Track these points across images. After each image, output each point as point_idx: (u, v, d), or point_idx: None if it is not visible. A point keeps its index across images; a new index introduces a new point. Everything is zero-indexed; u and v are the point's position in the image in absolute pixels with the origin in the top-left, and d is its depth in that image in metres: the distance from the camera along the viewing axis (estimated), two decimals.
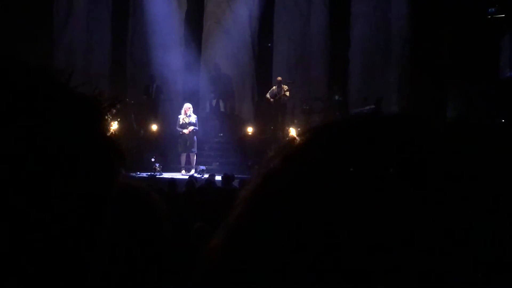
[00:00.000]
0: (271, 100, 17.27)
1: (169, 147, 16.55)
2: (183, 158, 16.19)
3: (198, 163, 16.05)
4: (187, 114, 16.06)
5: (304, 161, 0.55)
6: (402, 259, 0.48)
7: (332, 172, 0.52)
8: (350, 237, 0.49)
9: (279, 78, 17.36)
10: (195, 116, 16.22)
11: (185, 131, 15.91)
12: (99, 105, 0.70)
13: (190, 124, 15.98)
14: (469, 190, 0.50)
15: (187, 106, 16.18)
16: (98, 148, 0.68)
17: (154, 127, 17.27)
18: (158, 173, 15.24)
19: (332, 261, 0.49)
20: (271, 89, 17.50)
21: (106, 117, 0.70)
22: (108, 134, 0.70)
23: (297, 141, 0.59)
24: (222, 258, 0.56)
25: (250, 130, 17.21)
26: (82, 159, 0.65)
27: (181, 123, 16.03)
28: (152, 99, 17.89)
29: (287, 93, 17.09)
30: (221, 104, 18.79)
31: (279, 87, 17.21)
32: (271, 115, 17.59)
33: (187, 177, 13.64)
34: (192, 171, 15.67)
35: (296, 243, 0.51)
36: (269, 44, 19.33)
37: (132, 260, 1.33)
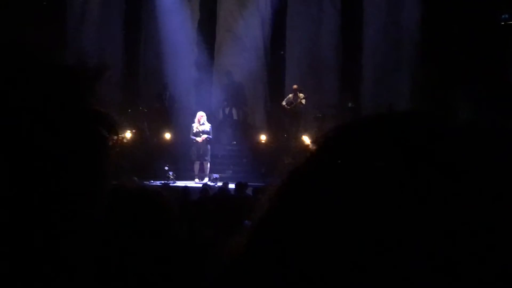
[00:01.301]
0: (287, 107, 17.26)
1: (183, 155, 16.56)
2: (197, 166, 16.19)
3: (211, 171, 16.05)
4: (201, 123, 16.08)
5: (329, 159, 0.56)
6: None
7: (357, 168, 0.53)
8: (378, 232, 0.50)
9: (295, 86, 17.33)
10: (209, 125, 16.24)
11: (198, 139, 15.94)
12: (83, 75, 0.68)
13: (203, 132, 16.00)
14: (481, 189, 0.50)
15: (200, 115, 16.21)
16: (85, 120, 0.66)
17: (167, 136, 17.30)
18: (172, 181, 15.25)
19: (358, 254, 0.49)
20: (287, 97, 17.49)
21: (94, 88, 0.68)
22: (99, 111, 0.68)
23: (314, 147, 0.59)
24: (247, 254, 0.57)
25: (263, 138, 17.19)
26: (68, 134, 0.64)
27: (194, 131, 16.06)
28: (165, 108, 17.93)
29: (303, 101, 17.07)
30: (234, 112, 18.79)
31: (295, 95, 17.19)
32: (283, 122, 17.56)
33: (200, 185, 13.64)
34: (206, 179, 15.67)
35: (324, 239, 0.51)
36: (282, 52, 19.32)
37: (144, 262, 1.33)
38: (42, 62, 0.66)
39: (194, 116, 16.58)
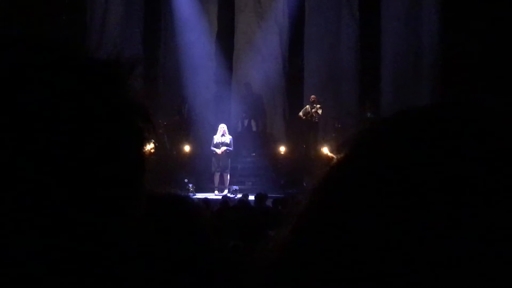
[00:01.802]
0: (303, 117, 17.26)
1: (202, 168, 16.60)
2: (217, 178, 16.23)
3: (231, 183, 16.07)
4: (222, 134, 16.15)
5: (371, 153, 0.55)
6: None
7: (400, 162, 0.52)
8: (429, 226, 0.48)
9: (313, 96, 17.33)
10: (230, 137, 16.30)
11: (218, 151, 15.98)
12: (118, 67, 0.68)
13: (223, 144, 16.05)
14: None
15: (222, 127, 16.28)
16: (122, 113, 0.65)
17: (187, 148, 17.36)
18: (192, 194, 15.27)
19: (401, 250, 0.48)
20: (304, 108, 17.50)
21: (129, 80, 0.67)
22: (134, 103, 0.67)
23: (336, 158, 0.58)
24: (291, 249, 0.56)
25: (282, 149, 17.20)
26: (107, 126, 0.62)
27: (215, 142, 16.11)
28: (184, 120, 18.01)
29: (319, 111, 17.04)
30: (253, 123, 18.82)
31: (313, 106, 17.19)
32: (302, 133, 17.56)
33: (220, 197, 13.65)
34: (226, 191, 15.68)
35: (366, 233, 0.50)
36: (300, 62, 19.35)
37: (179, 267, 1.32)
38: (75, 56, 0.65)
39: (214, 128, 16.64)
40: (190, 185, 15.65)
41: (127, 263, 0.63)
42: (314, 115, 17.10)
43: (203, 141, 17.24)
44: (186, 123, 18.02)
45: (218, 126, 16.69)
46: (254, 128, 18.88)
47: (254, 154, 17.91)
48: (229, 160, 16.20)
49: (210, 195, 14.81)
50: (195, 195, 15.25)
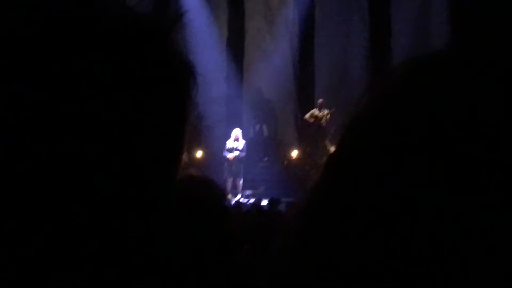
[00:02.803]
0: (311, 120, 17.24)
1: (214, 173, 16.61)
2: (229, 183, 16.23)
3: (244, 188, 16.06)
4: (235, 139, 16.17)
5: (395, 99, 0.52)
6: None
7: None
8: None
9: (320, 100, 17.33)
10: (244, 142, 16.31)
11: (230, 156, 15.98)
12: (161, 21, 0.64)
13: (235, 149, 16.06)
14: None
15: (236, 131, 16.30)
16: (170, 67, 0.61)
17: (199, 154, 17.38)
18: None
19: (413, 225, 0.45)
20: (311, 112, 17.48)
21: (173, 36, 0.63)
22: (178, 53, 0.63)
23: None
24: (309, 215, 0.53)
25: (294, 153, 17.19)
26: (156, 84, 0.59)
27: (228, 148, 16.13)
28: (195, 126, 18.03)
29: (328, 117, 17.00)
30: (265, 128, 18.82)
31: (320, 110, 17.18)
32: (314, 139, 17.53)
33: (233, 202, 13.65)
34: (238, 196, 15.68)
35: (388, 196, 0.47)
36: (311, 67, 19.33)
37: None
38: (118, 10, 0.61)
39: (225, 133, 16.64)
40: None
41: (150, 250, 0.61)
42: (323, 119, 17.07)
43: (215, 147, 17.25)
44: (197, 129, 18.05)
45: (229, 131, 16.73)
46: (265, 133, 18.89)
47: (266, 159, 17.91)
48: (242, 165, 16.20)
49: None
50: None
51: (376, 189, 0.48)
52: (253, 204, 12.36)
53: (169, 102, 0.61)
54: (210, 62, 18.51)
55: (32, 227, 0.52)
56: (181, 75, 0.63)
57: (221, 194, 1.45)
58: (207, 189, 1.43)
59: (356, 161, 0.51)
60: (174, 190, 0.62)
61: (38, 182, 0.52)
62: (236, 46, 19.38)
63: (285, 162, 17.14)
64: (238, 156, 16.06)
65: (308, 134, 17.63)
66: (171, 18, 0.64)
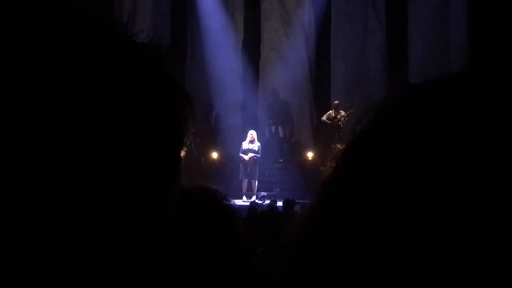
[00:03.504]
0: (328, 122, 17.19)
1: (230, 174, 16.63)
2: (245, 184, 16.25)
3: (259, 190, 16.07)
4: (250, 141, 16.18)
5: (400, 122, 0.52)
6: None
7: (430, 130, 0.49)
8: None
9: (337, 102, 17.28)
10: (259, 144, 16.32)
11: (245, 157, 16.01)
12: (159, 50, 0.66)
13: (251, 150, 16.06)
14: None
15: (251, 133, 16.31)
16: (164, 93, 0.63)
17: (215, 155, 17.41)
18: None
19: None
20: (328, 113, 17.43)
21: (167, 64, 0.66)
22: (173, 83, 0.66)
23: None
24: (321, 212, 0.54)
25: (310, 155, 17.16)
26: (150, 107, 0.61)
27: (243, 149, 16.15)
28: (211, 127, 18.06)
29: (345, 118, 16.94)
30: (280, 129, 18.80)
31: (337, 111, 17.12)
32: (329, 140, 17.48)
33: (248, 203, 13.65)
34: (253, 198, 15.68)
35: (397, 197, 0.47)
36: (327, 69, 19.26)
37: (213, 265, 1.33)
38: (117, 34, 0.63)
39: (241, 135, 16.66)
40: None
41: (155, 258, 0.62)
42: (342, 120, 17.01)
43: (231, 148, 17.26)
44: (213, 131, 18.07)
45: (245, 133, 16.75)
46: (281, 135, 18.86)
47: (281, 160, 17.89)
48: (257, 166, 16.22)
49: (239, 202, 14.81)
50: None
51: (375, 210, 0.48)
52: (268, 205, 12.35)
53: (165, 126, 0.63)
54: (226, 64, 18.53)
55: (36, 225, 0.54)
56: (175, 100, 0.65)
57: (225, 201, 1.45)
58: (209, 197, 1.43)
59: (355, 181, 0.51)
60: (174, 201, 0.65)
61: (42, 185, 0.54)
62: (252, 48, 19.38)
63: (301, 164, 17.10)
64: (254, 157, 16.08)
65: (324, 136, 17.57)
66: (166, 47, 0.67)
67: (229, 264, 1.38)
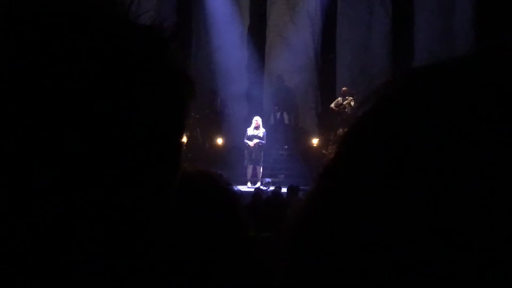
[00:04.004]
0: (335, 109, 17.17)
1: (235, 160, 16.63)
2: (249, 170, 16.27)
3: (263, 176, 16.10)
4: (255, 127, 16.18)
5: (406, 107, 0.51)
6: None
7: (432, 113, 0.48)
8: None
9: (344, 88, 17.25)
10: (263, 130, 16.32)
11: (250, 143, 16.02)
12: (162, 33, 0.65)
13: (256, 137, 16.07)
14: None
15: (256, 119, 16.31)
16: (166, 79, 0.63)
17: (220, 141, 17.42)
18: None
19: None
20: (336, 100, 17.42)
21: (172, 45, 0.65)
22: (176, 66, 0.65)
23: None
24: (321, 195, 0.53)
25: (315, 141, 17.16)
26: (151, 91, 0.60)
27: (248, 135, 16.16)
28: (216, 113, 18.06)
29: (352, 103, 16.93)
30: (285, 116, 18.79)
31: (344, 98, 17.10)
32: (335, 127, 17.47)
33: (253, 189, 13.67)
34: (258, 184, 15.70)
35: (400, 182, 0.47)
36: (332, 56, 19.23)
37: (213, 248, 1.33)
38: (118, 16, 0.63)
39: (246, 121, 16.65)
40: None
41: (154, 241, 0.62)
42: (347, 106, 16.99)
43: (236, 134, 17.26)
44: (218, 116, 18.07)
45: (250, 119, 16.75)
46: (286, 121, 18.85)
47: (286, 146, 17.90)
48: (262, 152, 16.22)
49: (243, 188, 14.83)
50: None
51: (374, 194, 0.48)
52: (272, 192, 12.37)
53: (167, 110, 0.62)
54: (232, 51, 18.50)
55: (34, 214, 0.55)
56: (178, 85, 0.65)
57: (228, 185, 1.45)
58: (211, 181, 1.43)
59: (355, 166, 0.51)
60: (175, 187, 0.64)
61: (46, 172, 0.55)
62: (257, 33, 19.33)
63: (305, 150, 17.11)
64: (259, 143, 16.08)
65: (329, 122, 17.56)
66: (170, 30, 0.66)
67: (229, 248, 1.38)
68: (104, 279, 0.58)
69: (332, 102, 17.59)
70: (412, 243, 0.45)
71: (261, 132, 16.20)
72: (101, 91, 0.57)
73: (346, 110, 16.99)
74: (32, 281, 0.55)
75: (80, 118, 0.56)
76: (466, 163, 0.44)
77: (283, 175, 16.48)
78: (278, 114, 18.72)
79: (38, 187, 0.55)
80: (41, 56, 0.56)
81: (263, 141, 16.19)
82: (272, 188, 14.07)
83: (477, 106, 0.46)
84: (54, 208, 0.55)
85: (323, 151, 15.74)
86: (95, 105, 0.56)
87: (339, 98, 17.30)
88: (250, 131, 16.24)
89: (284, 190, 12.58)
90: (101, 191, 0.57)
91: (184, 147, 0.67)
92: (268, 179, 15.74)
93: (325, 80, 19.09)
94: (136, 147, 0.59)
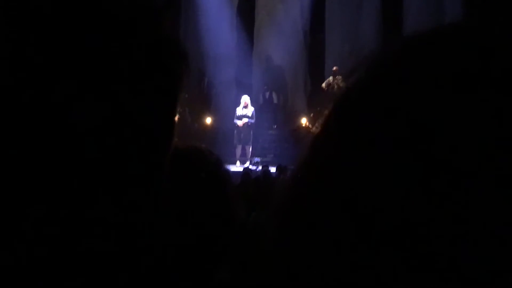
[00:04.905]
0: (325, 89, 17.16)
1: (224, 140, 16.61)
2: (238, 150, 16.26)
3: (253, 155, 16.10)
4: (244, 106, 16.15)
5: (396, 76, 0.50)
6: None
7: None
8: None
9: (335, 68, 17.20)
10: (252, 109, 16.30)
11: (239, 123, 16.00)
12: (153, 5, 0.64)
13: (245, 116, 16.04)
14: None
15: (244, 98, 16.27)
16: (161, 47, 0.62)
17: (208, 120, 17.39)
18: None
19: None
20: (327, 80, 17.39)
21: (165, 18, 0.64)
22: (171, 37, 0.64)
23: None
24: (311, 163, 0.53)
25: (304, 121, 17.16)
26: (144, 63, 0.59)
27: (237, 115, 16.13)
28: (205, 93, 17.99)
29: (341, 83, 16.91)
30: (274, 96, 18.76)
31: (334, 77, 17.07)
32: (324, 106, 17.44)
33: (242, 169, 13.67)
34: (247, 163, 15.70)
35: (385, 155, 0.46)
36: (322, 35, 19.15)
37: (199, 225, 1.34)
38: None
39: (234, 101, 16.60)
40: None
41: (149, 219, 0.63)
42: (335, 86, 16.97)
43: (225, 114, 17.22)
44: (207, 96, 18.01)
45: (238, 99, 16.70)
46: (275, 101, 18.82)
47: (275, 126, 17.90)
48: (251, 132, 16.21)
49: (232, 167, 14.82)
50: None
51: (362, 167, 0.47)
52: (261, 171, 12.39)
53: (160, 82, 0.62)
54: (220, 31, 18.36)
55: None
56: (171, 56, 0.64)
57: (218, 161, 1.46)
58: (202, 157, 1.44)
59: (343, 139, 0.51)
60: (167, 163, 0.64)
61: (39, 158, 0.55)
62: (246, 13, 19.21)
63: (295, 130, 17.11)
64: (248, 123, 16.06)
65: (319, 101, 17.53)
66: (164, 2, 0.65)
67: (217, 221, 1.39)
68: (103, 260, 0.58)
69: (321, 82, 17.57)
70: (408, 207, 0.43)
71: (250, 111, 16.17)
72: (95, 63, 0.56)
73: (335, 89, 16.97)
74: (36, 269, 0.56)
75: (78, 79, 0.55)
76: (461, 121, 0.44)
77: (272, 155, 16.49)
78: (267, 94, 18.69)
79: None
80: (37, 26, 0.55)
81: (252, 120, 16.17)
82: (261, 167, 14.08)
83: (466, 74, 0.46)
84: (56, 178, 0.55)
85: (311, 129, 15.74)
86: (91, 72, 0.56)
87: (330, 78, 17.28)
88: (239, 110, 16.21)
89: (273, 169, 12.60)
90: (95, 168, 0.57)
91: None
92: (257, 159, 15.75)
93: (314, 59, 19.04)
94: (130, 121, 0.58)
